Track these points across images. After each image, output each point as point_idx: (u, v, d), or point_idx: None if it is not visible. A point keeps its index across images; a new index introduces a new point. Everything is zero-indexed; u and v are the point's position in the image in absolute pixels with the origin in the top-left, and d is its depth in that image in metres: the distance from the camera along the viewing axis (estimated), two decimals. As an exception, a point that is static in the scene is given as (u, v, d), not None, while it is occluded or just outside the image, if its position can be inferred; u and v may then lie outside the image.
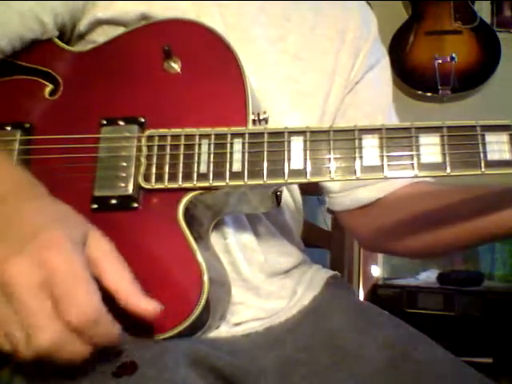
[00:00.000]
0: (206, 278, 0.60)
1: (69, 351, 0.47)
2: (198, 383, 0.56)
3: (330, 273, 0.90)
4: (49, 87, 0.72)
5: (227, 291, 0.70)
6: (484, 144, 0.59)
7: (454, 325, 1.99)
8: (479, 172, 0.59)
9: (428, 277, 2.32)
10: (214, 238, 0.72)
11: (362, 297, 2.21)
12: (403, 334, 0.74)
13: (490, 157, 0.59)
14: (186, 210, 0.63)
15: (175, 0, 0.75)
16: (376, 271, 2.38)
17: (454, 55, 2.44)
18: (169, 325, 0.60)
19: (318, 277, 0.86)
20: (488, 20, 2.57)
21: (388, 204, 0.86)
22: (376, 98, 0.91)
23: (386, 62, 0.95)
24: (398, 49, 2.54)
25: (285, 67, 0.81)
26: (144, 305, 0.51)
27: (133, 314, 0.51)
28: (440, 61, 2.45)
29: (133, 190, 0.64)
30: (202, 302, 0.60)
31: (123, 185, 0.64)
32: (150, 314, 0.51)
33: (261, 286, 0.76)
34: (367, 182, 0.85)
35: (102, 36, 0.74)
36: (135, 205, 0.64)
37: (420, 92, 2.53)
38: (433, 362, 0.68)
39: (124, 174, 0.65)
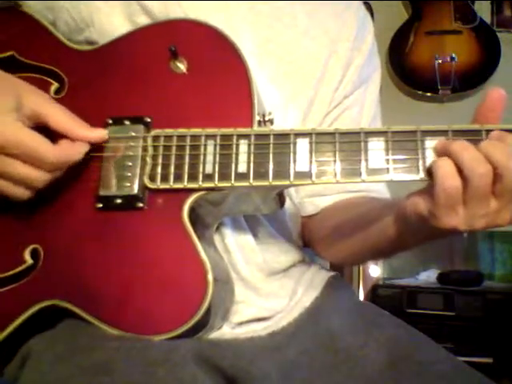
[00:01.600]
0: (210, 277, 0.60)
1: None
2: (205, 381, 0.57)
3: (330, 273, 0.89)
4: (54, 85, 0.72)
5: (230, 290, 0.71)
6: None
7: (454, 325, 1.99)
8: None
9: (428, 277, 2.31)
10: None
11: (362, 297, 2.20)
12: (404, 335, 0.74)
13: None
14: (191, 211, 0.63)
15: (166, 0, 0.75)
16: (376, 271, 2.38)
17: (454, 55, 2.43)
18: (172, 325, 0.60)
19: (318, 277, 0.86)
20: (488, 20, 2.57)
21: (324, 214, 0.86)
22: (360, 117, 0.89)
23: (377, 76, 0.93)
24: (398, 49, 2.54)
25: (269, 69, 0.80)
26: (90, 132, 0.64)
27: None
28: (440, 61, 2.44)
29: (138, 189, 0.64)
30: (206, 303, 0.59)
31: (128, 184, 0.64)
32: (97, 138, 0.65)
33: (260, 285, 0.77)
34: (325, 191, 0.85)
35: (98, 31, 0.75)
36: (140, 205, 0.64)
37: (420, 92, 2.52)
38: (433, 363, 0.68)
39: (129, 174, 0.65)
